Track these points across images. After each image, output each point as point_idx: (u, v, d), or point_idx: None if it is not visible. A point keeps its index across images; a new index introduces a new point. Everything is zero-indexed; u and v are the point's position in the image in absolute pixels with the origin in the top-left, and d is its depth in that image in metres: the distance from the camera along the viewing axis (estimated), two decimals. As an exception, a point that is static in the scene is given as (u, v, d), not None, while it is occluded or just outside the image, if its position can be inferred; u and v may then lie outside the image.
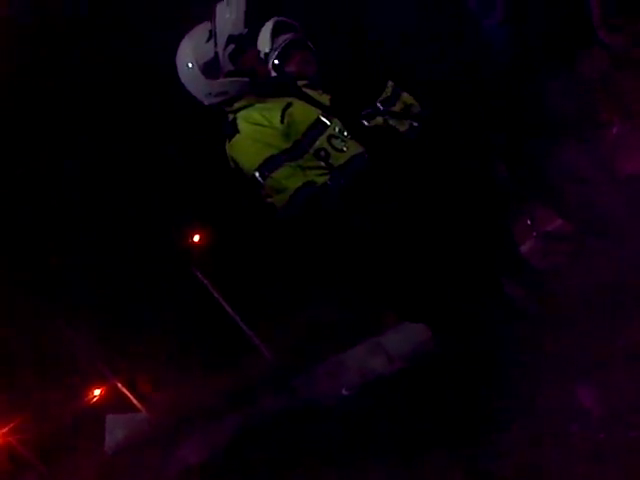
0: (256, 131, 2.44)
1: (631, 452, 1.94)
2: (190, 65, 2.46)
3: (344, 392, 3.68)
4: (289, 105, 2.46)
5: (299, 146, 2.42)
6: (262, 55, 2.68)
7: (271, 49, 2.71)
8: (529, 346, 2.26)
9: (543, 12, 2.61)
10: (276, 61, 2.69)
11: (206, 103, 2.53)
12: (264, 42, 2.72)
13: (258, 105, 2.48)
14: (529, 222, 3.48)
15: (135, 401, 5.29)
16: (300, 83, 2.59)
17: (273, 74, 2.70)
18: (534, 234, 3.49)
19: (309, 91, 2.56)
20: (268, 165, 2.39)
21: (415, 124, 2.58)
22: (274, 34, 2.72)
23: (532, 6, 2.59)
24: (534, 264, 2.96)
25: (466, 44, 2.66)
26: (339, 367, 3.71)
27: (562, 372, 2.19)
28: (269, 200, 2.45)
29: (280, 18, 2.78)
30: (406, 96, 2.61)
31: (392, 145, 2.54)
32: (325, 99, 2.55)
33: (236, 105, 2.49)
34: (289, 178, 2.39)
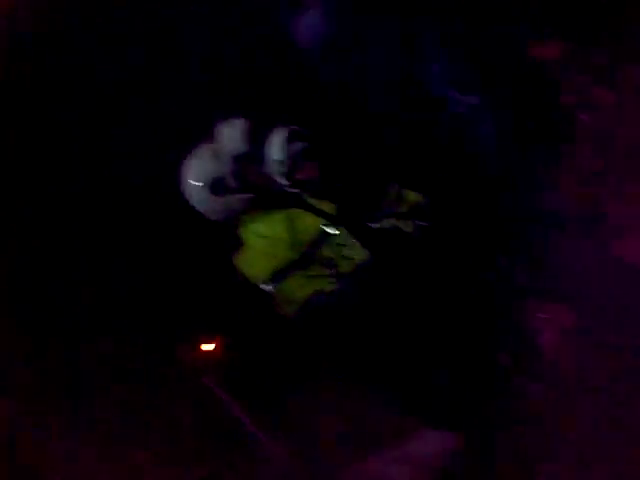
0: (262, 243, 2.48)
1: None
2: (196, 184, 2.53)
3: None
4: (294, 216, 2.51)
5: (306, 256, 2.45)
6: (272, 163, 2.73)
7: (283, 158, 2.75)
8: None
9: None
10: (287, 170, 2.73)
11: (213, 219, 2.59)
12: (276, 151, 2.75)
13: (264, 218, 2.53)
14: (543, 316, 3.46)
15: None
16: (305, 194, 2.65)
17: (283, 182, 2.74)
18: (549, 328, 3.45)
19: (313, 201, 2.62)
20: (276, 277, 2.42)
21: (422, 223, 2.61)
22: (286, 143, 2.75)
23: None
24: (551, 357, 2.92)
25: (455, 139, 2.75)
26: (360, 478, 3.56)
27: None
28: (279, 311, 2.45)
29: (293, 127, 2.82)
30: (410, 194, 2.67)
31: (399, 247, 2.57)
32: (329, 208, 2.60)
33: (242, 219, 2.55)
34: (297, 289, 2.41)
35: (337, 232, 2.49)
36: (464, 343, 2.43)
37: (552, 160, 2.74)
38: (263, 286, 2.45)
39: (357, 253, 2.47)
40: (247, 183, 2.52)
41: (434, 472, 2.67)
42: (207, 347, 4.76)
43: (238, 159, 2.50)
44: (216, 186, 2.50)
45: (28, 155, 3.24)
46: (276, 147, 2.74)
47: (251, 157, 2.53)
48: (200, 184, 2.52)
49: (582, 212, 2.76)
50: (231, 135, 2.53)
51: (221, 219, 2.57)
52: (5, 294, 3.28)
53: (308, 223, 2.51)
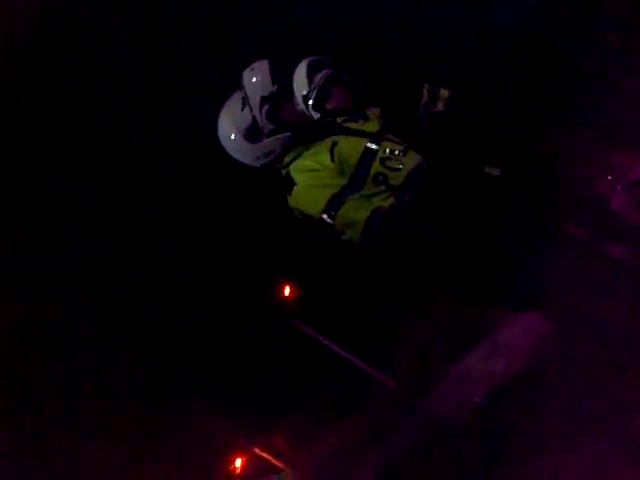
0: (311, 177, 2.49)
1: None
2: (233, 136, 2.54)
3: (476, 400, 3.61)
4: (335, 144, 2.50)
5: (356, 178, 2.45)
6: (301, 97, 2.72)
7: (309, 90, 2.71)
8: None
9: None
10: (316, 101, 2.71)
11: (258, 166, 2.61)
12: (301, 84, 2.72)
13: (306, 153, 2.53)
14: (609, 177, 3.34)
15: (278, 463, 5.36)
16: (339, 119, 2.63)
17: (315, 114, 2.72)
18: (618, 187, 3.34)
19: (350, 124, 2.60)
20: (333, 205, 2.43)
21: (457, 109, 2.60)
22: (309, 74, 2.72)
23: None
24: (628, 218, 2.85)
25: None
26: (462, 378, 3.64)
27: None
28: (344, 237, 2.48)
29: (312, 57, 2.76)
30: (444, 92, 2.64)
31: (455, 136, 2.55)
32: (368, 126, 2.58)
33: (286, 159, 2.56)
34: (356, 211, 2.42)
35: (379, 147, 2.47)
36: (537, 219, 2.41)
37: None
38: (323, 217, 2.46)
39: (404, 162, 2.45)
40: (281, 122, 2.51)
41: (530, 356, 2.70)
42: (286, 292, 4.91)
43: (266, 100, 2.49)
44: (251, 133, 2.51)
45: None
46: (300, 80, 2.72)
47: (279, 95, 2.52)
48: (236, 136, 2.53)
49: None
50: (255, 79, 2.51)
51: (265, 165, 2.59)
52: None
53: (350, 146, 2.50)
